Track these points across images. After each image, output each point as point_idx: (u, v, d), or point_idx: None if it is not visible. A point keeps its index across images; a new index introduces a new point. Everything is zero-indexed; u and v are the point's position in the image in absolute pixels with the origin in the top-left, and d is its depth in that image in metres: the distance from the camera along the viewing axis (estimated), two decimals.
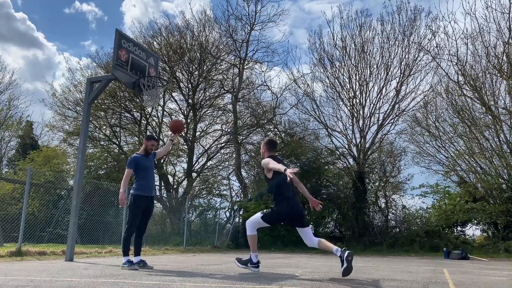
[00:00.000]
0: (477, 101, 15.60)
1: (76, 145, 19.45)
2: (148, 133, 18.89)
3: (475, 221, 17.14)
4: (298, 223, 4.99)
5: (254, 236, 5.00)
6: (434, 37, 16.45)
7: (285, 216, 4.98)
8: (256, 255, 5.04)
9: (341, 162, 18.67)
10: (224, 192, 20.73)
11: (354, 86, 18.17)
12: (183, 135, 18.28)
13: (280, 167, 4.59)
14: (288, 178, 4.33)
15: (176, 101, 20.13)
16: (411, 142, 18.39)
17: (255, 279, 4.27)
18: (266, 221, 4.96)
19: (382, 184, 18.29)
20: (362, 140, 17.86)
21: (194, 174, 20.05)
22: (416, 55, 17.28)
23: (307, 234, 4.97)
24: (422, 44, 16.94)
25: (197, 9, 38.42)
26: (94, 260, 7.19)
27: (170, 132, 6.42)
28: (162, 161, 18.97)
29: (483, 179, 16.64)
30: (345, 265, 4.43)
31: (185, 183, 20.17)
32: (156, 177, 18.82)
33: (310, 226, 4.96)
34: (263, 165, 4.98)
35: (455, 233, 17.34)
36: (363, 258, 11.04)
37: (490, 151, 16.08)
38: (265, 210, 5.07)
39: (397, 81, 17.67)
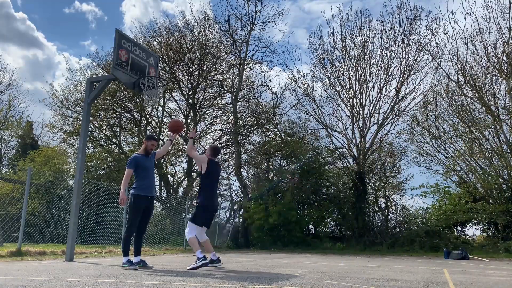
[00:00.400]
0: (477, 101, 15.61)
1: (76, 145, 19.44)
2: (148, 133, 18.88)
3: (475, 221, 17.15)
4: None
5: (194, 239, 5.78)
6: (434, 37, 16.48)
7: (208, 213, 5.89)
8: (199, 252, 5.66)
9: (341, 162, 18.69)
10: (224, 192, 20.73)
11: (354, 86, 18.18)
12: (183, 135, 18.28)
13: (199, 160, 5.89)
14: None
15: (176, 101, 20.13)
16: (411, 142, 18.42)
17: (255, 279, 4.27)
18: (196, 223, 5.87)
19: (382, 184, 18.29)
20: (362, 140, 17.87)
21: (194, 174, 20.04)
22: (416, 55, 17.30)
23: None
24: (422, 44, 16.96)
25: (197, 9, 38.44)
26: (94, 260, 7.19)
27: (169, 132, 6.42)
28: (162, 161, 18.97)
29: (483, 179, 16.64)
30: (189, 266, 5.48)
31: (185, 183, 20.16)
32: (156, 177, 18.81)
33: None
34: (198, 158, 6.00)
35: (455, 233, 17.35)
36: (363, 258, 11.04)
37: (490, 151, 16.08)
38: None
39: (397, 81, 17.70)
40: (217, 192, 6.37)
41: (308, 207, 18.20)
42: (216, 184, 6.15)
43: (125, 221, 9.71)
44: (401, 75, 17.49)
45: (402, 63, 17.45)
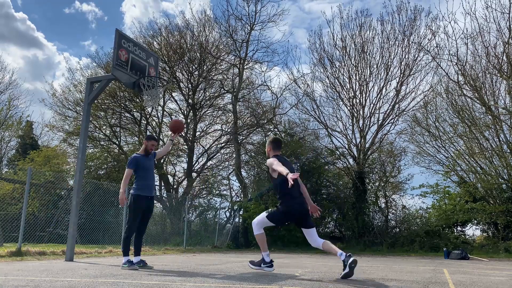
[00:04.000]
0: (477, 101, 15.61)
1: (76, 145, 19.44)
2: (148, 133, 18.89)
3: (475, 221, 17.16)
4: (303, 223, 4.91)
5: (261, 235, 5.01)
6: (434, 37, 16.49)
7: (290, 215, 4.91)
8: (268, 254, 5.04)
9: (341, 162, 18.69)
10: (224, 192, 20.74)
11: (354, 86, 18.19)
12: (183, 135, 18.28)
13: (283, 169, 4.50)
14: (289, 184, 4.29)
15: (176, 101, 20.14)
16: (411, 142, 18.42)
17: (255, 279, 4.27)
18: (271, 220, 4.95)
19: (382, 184, 18.30)
20: (362, 140, 17.87)
21: (194, 174, 20.05)
22: (416, 55, 17.31)
23: (312, 235, 4.90)
24: (422, 44, 16.97)
25: (197, 9, 38.52)
26: (94, 260, 7.19)
27: (170, 132, 6.43)
28: (162, 161, 18.97)
29: (483, 179, 16.64)
30: (347, 270, 4.45)
31: (185, 183, 20.17)
32: (156, 177, 18.81)
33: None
34: (267, 164, 4.93)
35: (455, 233, 17.35)
36: (363, 258, 11.04)
37: (490, 151, 16.07)
38: (270, 209, 5.04)
39: (397, 81, 17.71)
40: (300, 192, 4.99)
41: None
42: (296, 181, 4.83)
43: (125, 221, 9.71)
44: (401, 75, 17.50)
45: (402, 63, 17.48)
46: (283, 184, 4.67)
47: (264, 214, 5.00)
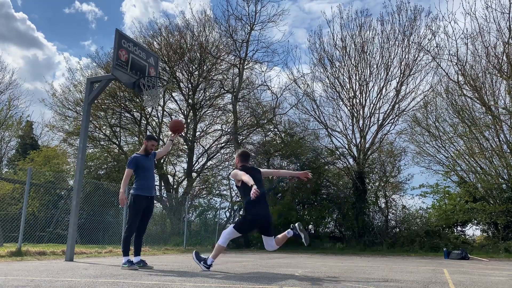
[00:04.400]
0: (477, 101, 15.61)
1: (76, 145, 19.44)
2: (148, 133, 18.89)
3: (475, 221, 17.16)
4: (267, 231, 5.13)
5: (222, 247, 5.13)
6: (434, 37, 16.49)
7: (256, 222, 5.12)
8: (213, 261, 5.19)
9: (341, 162, 18.69)
10: (224, 192, 20.72)
11: (354, 86, 18.19)
12: (183, 135, 18.27)
13: (248, 180, 4.79)
14: (252, 196, 4.55)
15: (176, 101, 20.13)
16: (411, 142, 18.43)
17: (255, 279, 4.27)
18: (239, 230, 5.11)
19: (382, 184, 18.29)
20: (362, 140, 17.87)
21: (194, 174, 20.03)
22: (416, 55, 17.31)
23: (270, 241, 5.14)
24: (422, 44, 16.97)
25: (197, 9, 38.48)
26: (94, 260, 7.19)
27: (170, 132, 6.43)
28: (162, 161, 18.96)
29: (483, 179, 16.64)
30: (303, 235, 4.89)
31: (185, 183, 20.16)
32: (156, 177, 18.81)
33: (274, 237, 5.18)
34: (232, 176, 5.26)
35: (455, 233, 17.36)
36: (363, 258, 11.04)
37: (490, 151, 16.08)
38: (237, 220, 5.35)
39: (397, 81, 17.71)
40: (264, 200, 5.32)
41: (308, 207, 18.20)
42: (261, 190, 5.06)
43: (125, 221, 9.71)
44: (401, 75, 17.50)
45: (402, 63, 17.48)
46: (248, 193, 4.81)
47: (232, 226, 5.16)
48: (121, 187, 5.60)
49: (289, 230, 4.96)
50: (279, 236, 5.05)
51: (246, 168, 5.23)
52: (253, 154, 19.66)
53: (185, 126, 18.08)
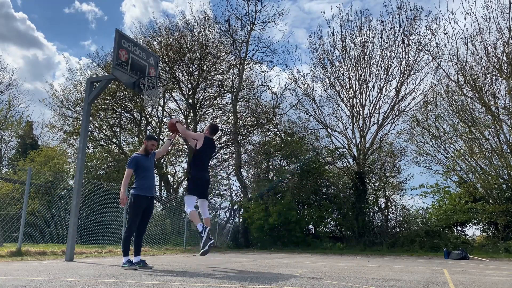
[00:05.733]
0: (477, 101, 15.61)
1: (76, 145, 19.43)
2: (148, 133, 18.88)
3: (475, 221, 17.16)
4: (205, 193, 5.97)
5: (193, 212, 5.76)
6: (434, 37, 16.48)
7: (199, 180, 5.86)
8: (201, 225, 5.64)
9: (341, 162, 18.68)
10: (224, 192, 20.72)
11: (354, 86, 18.18)
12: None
13: (195, 138, 5.90)
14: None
15: (176, 101, 20.13)
16: (411, 142, 18.42)
17: (255, 279, 4.27)
18: (190, 192, 5.84)
19: (382, 184, 18.29)
20: (362, 140, 17.86)
21: None
22: (416, 55, 17.30)
23: (205, 206, 6.00)
24: (422, 44, 16.96)
25: (197, 9, 38.48)
26: (94, 260, 7.19)
27: (170, 132, 6.46)
28: (162, 161, 18.96)
29: (483, 179, 16.64)
30: (203, 240, 5.45)
31: (185, 183, 20.15)
32: (156, 177, 18.81)
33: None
34: (196, 135, 6.09)
35: (455, 233, 17.35)
36: (363, 258, 11.04)
37: (490, 151, 16.08)
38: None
39: (397, 81, 17.70)
40: (209, 167, 6.32)
41: (308, 207, 18.19)
42: (208, 160, 6.19)
43: (125, 221, 9.71)
44: (401, 75, 17.50)
45: (402, 63, 17.47)
46: (197, 156, 5.84)
47: (185, 194, 6.05)
48: (121, 187, 5.61)
49: (204, 227, 5.52)
50: (196, 216, 5.76)
51: (208, 140, 6.04)
52: (253, 154, 19.67)
53: (184, 124, 18.05)
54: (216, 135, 6.71)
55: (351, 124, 18.18)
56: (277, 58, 43.35)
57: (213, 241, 5.49)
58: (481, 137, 16.07)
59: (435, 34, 16.44)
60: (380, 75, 17.84)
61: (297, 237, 16.18)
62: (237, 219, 18.06)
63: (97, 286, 3.50)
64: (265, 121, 18.94)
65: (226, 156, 21.15)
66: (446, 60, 15.82)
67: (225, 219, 18.58)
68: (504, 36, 14.45)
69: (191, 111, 19.48)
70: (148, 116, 19.71)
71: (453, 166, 17.61)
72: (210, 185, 6.22)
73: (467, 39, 14.94)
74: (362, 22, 18.08)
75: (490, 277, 5.47)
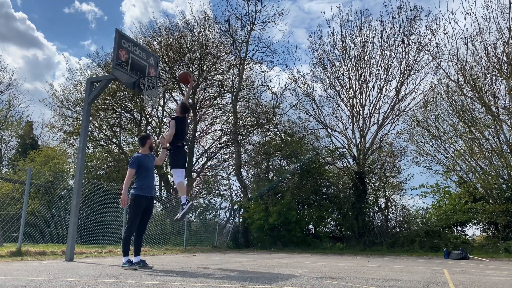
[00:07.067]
0: (477, 101, 15.61)
1: (76, 145, 19.44)
2: (148, 133, 18.88)
3: (475, 221, 17.15)
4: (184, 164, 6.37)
5: (181, 183, 6.22)
6: (434, 37, 16.48)
7: (181, 150, 6.28)
8: (185, 198, 6.20)
9: (341, 162, 18.68)
10: (224, 192, 20.70)
11: (354, 86, 18.17)
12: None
13: (172, 132, 6.23)
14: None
15: (176, 101, 20.10)
16: (411, 142, 18.42)
17: (255, 279, 4.27)
18: (175, 164, 6.24)
19: (382, 184, 18.29)
20: (362, 140, 17.86)
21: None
22: (416, 55, 17.29)
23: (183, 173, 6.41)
24: (422, 44, 16.96)
25: (197, 9, 38.45)
26: (94, 260, 7.19)
27: (163, 142, 6.52)
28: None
29: (483, 179, 16.64)
30: (183, 209, 6.06)
31: (185, 183, 20.15)
32: (156, 177, 18.82)
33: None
34: (170, 124, 6.42)
35: (455, 233, 17.35)
36: (363, 258, 11.04)
37: (490, 151, 16.08)
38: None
39: (397, 81, 17.69)
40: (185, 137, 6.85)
41: (308, 207, 18.19)
42: (184, 133, 6.53)
43: (125, 221, 9.71)
44: (401, 75, 17.49)
45: (402, 63, 17.46)
46: (175, 138, 6.23)
47: (172, 168, 6.36)
48: (123, 187, 5.64)
49: (186, 201, 6.12)
50: (183, 188, 6.30)
51: (181, 119, 6.43)
52: (253, 154, 19.67)
53: (192, 78, 18.10)
54: (189, 113, 7.16)
55: (351, 124, 18.19)
56: (277, 58, 43.37)
57: (188, 214, 6.03)
58: (481, 137, 16.07)
59: (435, 34, 16.46)
60: (380, 75, 17.85)
61: (297, 237, 16.18)
62: (237, 219, 18.05)
63: (97, 286, 3.50)
64: (265, 121, 18.94)
65: (226, 156, 21.16)
66: (446, 60, 15.84)
67: (225, 219, 18.57)
68: (504, 36, 14.46)
69: (191, 111, 19.48)
70: (148, 116, 19.72)
71: (453, 166, 17.61)
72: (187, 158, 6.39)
73: (467, 39, 14.95)
74: (362, 22, 18.09)
75: (490, 277, 5.47)
